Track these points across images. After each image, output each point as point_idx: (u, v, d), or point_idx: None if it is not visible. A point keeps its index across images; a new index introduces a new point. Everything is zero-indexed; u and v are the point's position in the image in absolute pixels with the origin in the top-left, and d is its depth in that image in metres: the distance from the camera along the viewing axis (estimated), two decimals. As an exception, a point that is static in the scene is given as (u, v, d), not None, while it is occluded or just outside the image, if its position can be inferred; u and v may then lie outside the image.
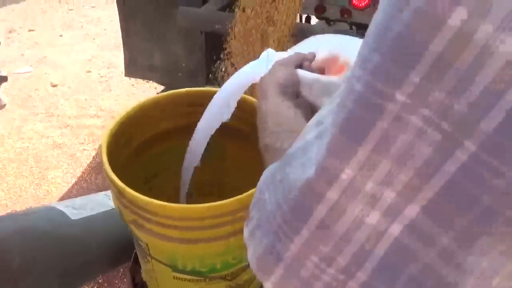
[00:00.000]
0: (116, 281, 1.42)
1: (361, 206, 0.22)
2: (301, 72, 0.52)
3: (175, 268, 0.59)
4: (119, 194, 0.54)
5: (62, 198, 1.79)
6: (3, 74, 1.81)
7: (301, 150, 0.27)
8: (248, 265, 0.66)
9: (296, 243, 0.25)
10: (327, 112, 0.26)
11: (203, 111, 0.73)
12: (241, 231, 0.56)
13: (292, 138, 0.37)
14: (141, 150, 0.71)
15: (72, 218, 0.73)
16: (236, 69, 1.51)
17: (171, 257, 0.58)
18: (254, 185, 0.65)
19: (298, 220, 0.25)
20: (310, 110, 0.51)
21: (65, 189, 1.83)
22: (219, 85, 1.58)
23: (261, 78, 0.51)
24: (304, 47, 0.61)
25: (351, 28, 1.83)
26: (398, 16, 0.20)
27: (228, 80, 0.63)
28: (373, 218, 0.22)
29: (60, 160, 2.00)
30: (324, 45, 0.57)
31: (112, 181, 0.53)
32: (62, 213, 0.72)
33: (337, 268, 0.24)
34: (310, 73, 0.52)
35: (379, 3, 0.23)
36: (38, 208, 0.74)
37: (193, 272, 0.60)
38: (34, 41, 3.14)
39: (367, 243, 0.23)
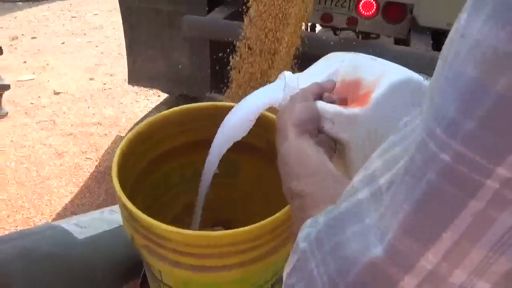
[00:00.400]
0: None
1: None
2: (321, 105, 0.49)
3: (188, 296, 0.56)
4: (131, 219, 0.51)
5: (64, 208, 1.76)
6: (6, 82, 1.79)
7: (354, 213, 0.23)
8: (266, 290, 0.63)
9: None
10: (381, 167, 0.23)
11: (212, 126, 0.70)
12: (260, 257, 0.53)
13: (316, 183, 0.37)
14: (150, 169, 0.68)
15: (78, 237, 0.69)
16: (243, 79, 1.49)
17: (185, 284, 0.55)
18: (269, 205, 0.62)
19: None
20: (333, 144, 0.51)
21: (67, 199, 1.80)
22: (224, 94, 1.57)
23: (279, 114, 0.48)
24: (321, 67, 0.58)
25: (357, 37, 1.82)
26: (500, 72, 0.17)
27: (242, 102, 0.60)
28: None
29: (62, 169, 1.97)
30: (344, 66, 0.54)
31: (124, 206, 0.50)
32: (67, 232, 0.69)
33: None
34: (331, 105, 0.49)
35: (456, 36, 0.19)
36: (42, 227, 0.70)
37: (207, 300, 0.57)
38: (37, 49, 3.13)
39: None
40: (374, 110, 0.49)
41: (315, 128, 0.47)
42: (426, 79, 0.53)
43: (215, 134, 0.65)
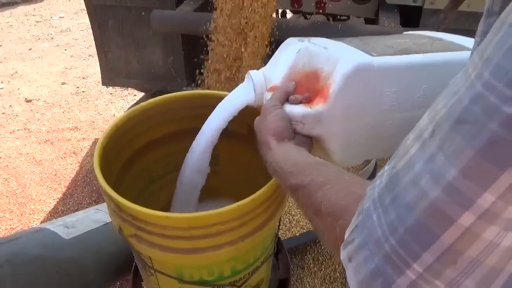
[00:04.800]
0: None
1: (497, 231, 0.22)
2: (289, 110, 0.55)
3: (181, 280, 0.57)
4: (117, 209, 0.51)
5: (48, 215, 1.73)
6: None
7: (407, 167, 0.26)
8: (257, 269, 0.65)
9: (414, 268, 0.24)
10: (427, 122, 0.26)
11: (193, 115, 0.71)
12: (248, 234, 0.55)
13: (310, 173, 0.41)
14: (133, 161, 0.68)
15: (65, 238, 0.69)
16: (216, 71, 1.49)
17: (176, 268, 0.56)
18: (250, 187, 0.64)
19: (419, 244, 0.24)
20: (310, 139, 0.57)
21: (51, 206, 1.77)
22: (201, 87, 1.57)
23: (256, 127, 0.56)
24: (281, 58, 0.60)
25: (328, 20, 1.84)
26: None
27: (218, 108, 0.64)
28: (509, 240, 0.22)
29: (42, 177, 1.93)
30: (301, 57, 0.57)
31: (109, 196, 0.50)
32: (53, 234, 0.68)
33: None
34: (298, 108, 0.55)
35: None
36: (27, 231, 0.69)
37: (200, 282, 0.58)
38: (3, 57, 3.03)
39: (499, 263, 0.23)
40: (335, 103, 0.53)
41: (291, 132, 0.55)
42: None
43: (196, 123, 0.66)
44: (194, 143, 0.65)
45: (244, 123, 0.69)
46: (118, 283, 1.36)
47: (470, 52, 0.59)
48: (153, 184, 0.76)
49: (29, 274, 0.60)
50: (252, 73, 0.62)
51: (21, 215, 1.72)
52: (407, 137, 0.29)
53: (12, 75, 2.78)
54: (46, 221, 1.70)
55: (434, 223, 0.23)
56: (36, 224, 1.68)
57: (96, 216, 0.81)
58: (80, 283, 0.70)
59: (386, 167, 0.29)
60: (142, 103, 0.66)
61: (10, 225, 1.67)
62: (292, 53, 0.58)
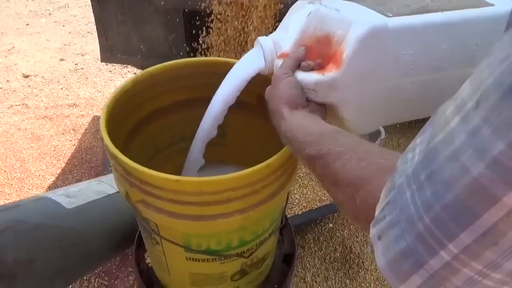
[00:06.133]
0: (114, 271, 1.38)
1: None
2: (301, 77, 0.53)
3: (188, 248, 0.55)
4: (125, 173, 0.49)
5: (48, 190, 1.72)
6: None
7: (446, 141, 0.24)
8: (264, 240, 0.64)
9: (450, 248, 0.22)
10: (469, 92, 0.24)
11: (201, 83, 0.69)
12: (260, 203, 0.53)
13: (327, 141, 0.40)
14: (139, 129, 0.66)
15: (67, 207, 0.67)
16: (218, 47, 1.45)
17: (184, 236, 0.54)
18: (258, 159, 0.63)
19: (457, 224, 0.22)
20: (323, 107, 0.55)
21: (50, 181, 1.76)
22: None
23: (268, 97, 0.54)
24: (291, 22, 0.58)
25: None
26: None
27: (229, 76, 0.62)
28: None
29: (41, 152, 1.91)
30: (312, 20, 0.55)
31: (117, 159, 0.48)
32: (55, 203, 0.67)
33: (505, 272, 0.22)
34: (310, 75, 0.53)
35: None
36: (29, 199, 0.68)
37: (207, 251, 0.56)
38: (0, 31, 2.97)
39: None
40: (349, 68, 0.51)
41: (304, 100, 0.52)
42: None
43: (205, 92, 0.64)
44: (204, 115, 0.63)
45: (253, 93, 0.67)
46: (119, 257, 1.36)
47: (494, 8, 0.57)
48: (159, 154, 0.74)
49: (31, 241, 0.59)
50: (261, 39, 0.59)
51: (20, 189, 1.70)
52: (444, 107, 0.26)
53: (9, 50, 2.73)
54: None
55: (475, 201, 0.21)
56: (34, 199, 1.67)
57: (98, 188, 0.79)
58: (82, 253, 0.69)
59: (419, 140, 0.27)
60: (150, 68, 0.64)
61: (9, 199, 1.65)
62: (302, 16, 0.56)
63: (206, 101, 0.63)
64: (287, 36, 0.56)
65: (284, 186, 0.55)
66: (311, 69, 0.54)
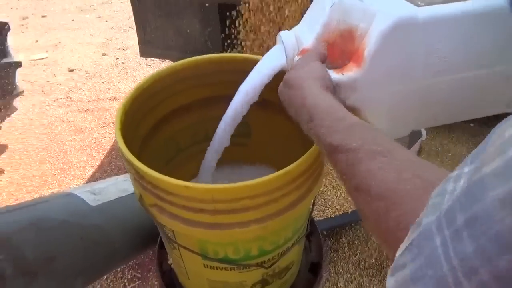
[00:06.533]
0: (147, 264, 1.40)
1: None
2: None
3: (205, 256, 0.53)
4: (137, 176, 0.47)
5: (87, 181, 1.78)
6: (16, 59, 1.77)
7: (502, 173, 0.17)
8: (287, 250, 0.60)
9: None
10: None
11: (224, 80, 0.66)
12: (279, 212, 0.50)
13: (359, 134, 0.34)
14: (159, 128, 0.64)
15: (91, 204, 0.67)
16: (253, 41, 1.41)
17: (200, 244, 0.52)
18: (283, 159, 0.59)
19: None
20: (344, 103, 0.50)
21: (90, 173, 1.81)
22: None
23: (293, 73, 0.47)
24: (314, 16, 0.53)
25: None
26: None
27: (252, 75, 0.58)
28: None
29: (83, 144, 1.98)
30: (335, 12, 0.49)
31: (128, 162, 0.47)
32: (80, 200, 0.66)
33: None
34: (331, 73, 0.48)
35: None
36: (54, 196, 0.68)
37: (225, 260, 0.53)
38: (48, 27, 3.11)
39: None
40: (371, 67, 0.46)
41: (333, 86, 0.46)
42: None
43: (227, 90, 0.61)
44: (225, 113, 0.60)
45: (276, 91, 0.63)
46: (142, 255, 1.38)
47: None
48: (181, 154, 0.72)
49: (52, 238, 0.59)
50: (283, 35, 0.55)
51: (62, 180, 1.77)
52: (503, 127, 0.19)
53: (56, 45, 2.85)
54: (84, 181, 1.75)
55: None
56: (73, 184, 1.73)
57: (124, 185, 0.79)
58: (106, 252, 0.68)
59: (466, 169, 0.20)
60: (169, 65, 0.61)
61: (52, 189, 1.73)
62: (325, 8, 0.51)
63: (229, 99, 0.60)
64: (309, 30, 0.51)
65: (307, 194, 0.50)
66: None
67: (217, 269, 0.56)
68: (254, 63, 0.57)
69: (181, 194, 0.43)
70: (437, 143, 1.79)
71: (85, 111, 2.21)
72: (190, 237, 0.51)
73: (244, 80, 0.58)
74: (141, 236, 0.74)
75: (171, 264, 0.74)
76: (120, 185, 0.78)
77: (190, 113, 0.68)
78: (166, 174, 0.70)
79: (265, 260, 0.56)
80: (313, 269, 0.76)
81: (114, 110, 2.20)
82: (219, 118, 0.63)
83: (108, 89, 2.40)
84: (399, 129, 0.53)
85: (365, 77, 0.46)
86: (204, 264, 0.55)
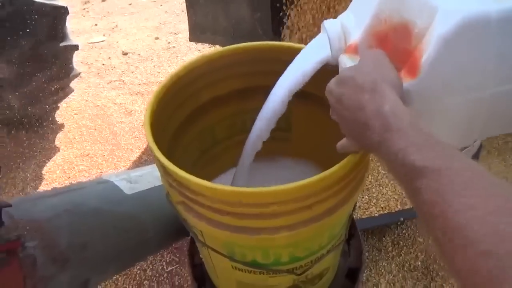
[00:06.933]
0: (185, 248, 1.41)
1: None
2: None
3: (232, 258, 0.50)
4: (163, 171, 0.45)
5: (133, 164, 1.83)
6: (74, 43, 1.85)
7: None
8: (321, 257, 0.56)
9: None
10: None
11: (264, 70, 0.62)
12: (313, 220, 0.45)
13: (475, 169, 0.26)
14: (194, 118, 0.62)
15: (126, 192, 0.67)
16: (303, 27, 1.35)
17: (227, 246, 0.49)
18: (325, 154, 0.54)
19: None
20: None
21: (136, 155, 1.87)
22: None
23: (358, 71, 0.38)
24: (362, 5, 0.46)
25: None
26: None
27: (288, 69, 0.53)
28: None
29: (132, 127, 2.04)
30: (386, 3, 0.41)
31: (156, 158, 0.44)
32: (115, 188, 0.66)
33: None
34: None
35: None
36: (91, 182, 0.69)
37: (253, 264, 0.50)
38: (107, 11, 3.22)
39: None
40: (429, 77, 0.38)
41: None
42: None
43: (266, 81, 0.57)
44: (263, 107, 0.55)
45: (322, 83, 0.57)
46: (175, 246, 1.39)
47: None
48: (218, 145, 0.70)
49: (85, 226, 0.59)
50: (327, 24, 0.49)
51: (110, 161, 1.84)
52: None
53: (113, 28, 2.95)
54: (130, 169, 1.80)
55: None
56: (122, 170, 1.79)
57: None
58: (138, 240, 0.68)
59: None
60: (206, 53, 0.58)
61: (101, 169, 1.80)
62: None
63: (268, 90, 0.56)
64: (357, 20, 0.45)
65: (347, 200, 0.45)
66: None
67: (245, 271, 0.53)
68: (295, 52, 0.52)
69: (207, 195, 0.40)
70: (500, 140, 1.63)
71: (136, 94, 2.27)
72: (217, 239, 0.48)
73: (284, 71, 0.53)
74: (175, 225, 0.73)
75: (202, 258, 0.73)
76: (156, 173, 0.77)
77: (227, 104, 0.65)
78: (200, 166, 0.68)
79: (297, 266, 0.53)
80: (351, 275, 0.71)
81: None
82: (257, 110, 0.60)
83: (159, 72, 2.45)
84: (460, 140, 0.46)
85: (420, 88, 0.39)
86: (232, 266, 0.53)
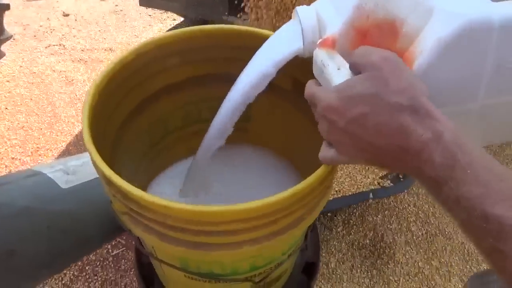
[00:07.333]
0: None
1: None
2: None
3: (186, 271, 0.45)
4: (104, 181, 0.38)
5: (75, 138, 1.69)
6: (4, 1, 1.62)
7: None
8: (281, 263, 0.53)
9: None
10: None
11: (226, 59, 0.55)
12: (279, 232, 0.40)
13: None
14: (144, 108, 0.54)
15: (62, 187, 0.59)
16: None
17: (181, 260, 0.44)
18: (286, 143, 0.50)
19: None
20: None
21: (78, 129, 1.72)
22: (241, 17, 1.37)
23: (395, 89, 0.30)
24: None
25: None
26: None
27: (257, 58, 0.46)
28: None
29: (73, 97, 1.87)
30: None
31: (96, 164, 0.37)
32: (49, 181, 0.58)
33: None
34: None
35: None
36: (20, 175, 0.59)
37: (209, 276, 0.46)
38: (44, -36, 2.88)
39: None
40: None
41: None
42: None
43: (227, 68, 0.51)
44: (224, 103, 0.49)
45: (288, 76, 0.52)
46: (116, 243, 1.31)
47: None
48: (171, 135, 0.63)
49: (11, 230, 0.51)
50: (301, 12, 0.43)
51: (48, 135, 1.68)
52: None
53: (51, -15, 2.65)
54: (71, 144, 1.66)
55: None
56: (60, 146, 1.64)
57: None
58: (78, 240, 0.61)
59: None
60: (157, 37, 0.50)
61: (37, 144, 1.64)
62: None
63: (229, 77, 0.50)
64: (336, 10, 0.39)
65: (314, 208, 0.42)
66: None
67: (200, 281, 0.48)
68: (260, 39, 0.46)
69: (160, 212, 0.35)
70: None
71: (78, 61, 2.08)
72: (168, 254, 0.43)
73: (247, 58, 0.47)
74: (117, 221, 0.66)
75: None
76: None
77: (182, 92, 0.58)
78: (150, 159, 0.61)
79: (256, 274, 0.49)
80: (308, 269, 0.69)
81: (108, 62, 2.07)
82: (216, 99, 0.53)
83: (104, 38, 2.26)
84: None
85: None
86: (185, 275, 0.48)
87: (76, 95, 1.87)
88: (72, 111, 1.79)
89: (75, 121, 1.75)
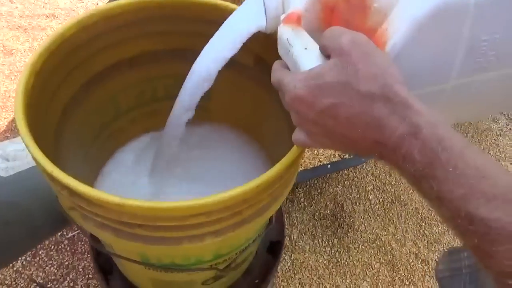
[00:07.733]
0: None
1: None
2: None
3: (147, 263, 0.42)
4: (50, 179, 0.33)
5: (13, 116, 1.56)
6: None
7: None
8: (244, 249, 0.51)
9: None
10: None
11: (184, 33, 0.50)
12: (243, 222, 0.38)
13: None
14: (90, 88, 0.49)
15: (3, 175, 0.53)
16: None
17: (140, 255, 0.41)
18: (248, 120, 0.47)
19: None
20: None
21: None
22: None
23: (366, 76, 0.27)
24: None
25: None
26: None
27: (219, 35, 0.43)
28: None
29: (13, 69, 1.71)
30: None
31: (35, 159, 0.32)
32: (-14, 171, 0.52)
33: None
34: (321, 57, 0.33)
35: None
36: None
37: (171, 266, 0.43)
38: None
39: None
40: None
41: None
42: None
43: (186, 43, 0.46)
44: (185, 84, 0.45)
45: (250, 52, 0.48)
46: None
47: None
48: (122, 117, 0.58)
49: None
50: None
51: (-16, 112, 1.54)
52: None
53: None
54: (13, 123, 1.53)
55: None
56: (2, 124, 1.51)
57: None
58: (24, 232, 0.55)
59: None
60: (104, 6, 0.44)
61: (-28, 122, 1.50)
62: None
63: (187, 53, 0.45)
64: None
65: (281, 194, 0.40)
66: None
67: (161, 271, 0.46)
68: (222, 12, 0.42)
69: (115, 210, 0.31)
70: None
71: (17, 28, 1.89)
72: (126, 249, 0.40)
73: (207, 32, 0.43)
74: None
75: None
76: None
77: (135, 69, 0.52)
78: (102, 143, 0.56)
79: (220, 261, 0.47)
80: (273, 249, 0.69)
81: (51, 30, 1.90)
82: (172, 77, 0.49)
83: (46, 3, 2.06)
84: None
85: None
86: (145, 267, 0.45)
87: (16, 67, 1.71)
88: (13, 85, 1.64)
89: (15, 94, 1.61)
